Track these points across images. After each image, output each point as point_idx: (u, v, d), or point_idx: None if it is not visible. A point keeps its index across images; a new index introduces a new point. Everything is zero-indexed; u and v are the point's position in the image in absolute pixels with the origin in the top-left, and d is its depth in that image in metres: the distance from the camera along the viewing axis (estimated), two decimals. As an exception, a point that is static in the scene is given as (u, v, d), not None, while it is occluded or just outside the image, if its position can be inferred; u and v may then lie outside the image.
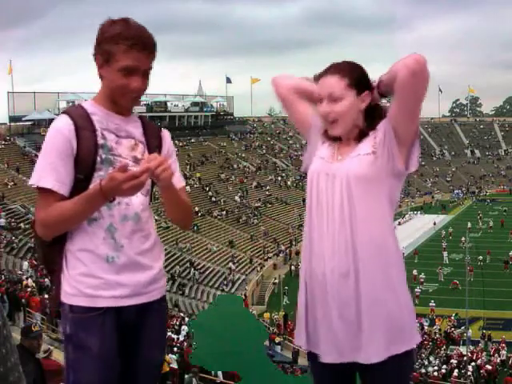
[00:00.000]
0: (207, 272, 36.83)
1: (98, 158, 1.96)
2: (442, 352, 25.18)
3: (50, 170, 1.91)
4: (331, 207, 1.98)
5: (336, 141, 2.07)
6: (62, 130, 1.94)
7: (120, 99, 1.99)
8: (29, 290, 18.34)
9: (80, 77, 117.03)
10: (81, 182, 1.95)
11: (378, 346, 1.94)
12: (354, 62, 2.04)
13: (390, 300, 1.95)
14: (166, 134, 2.18)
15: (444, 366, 22.42)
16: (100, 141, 1.97)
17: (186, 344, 18.81)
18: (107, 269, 1.96)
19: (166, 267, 34.64)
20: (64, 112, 2.01)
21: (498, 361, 23.90)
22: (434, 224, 52.81)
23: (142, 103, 59.68)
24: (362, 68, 2.03)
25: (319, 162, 2.07)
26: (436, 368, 22.34)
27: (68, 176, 1.93)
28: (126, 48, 1.90)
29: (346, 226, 1.95)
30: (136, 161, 2.01)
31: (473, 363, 22.50)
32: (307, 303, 2.07)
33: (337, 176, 1.98)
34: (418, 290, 33.42)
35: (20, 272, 23.16)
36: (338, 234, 1.96)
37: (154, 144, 2.10)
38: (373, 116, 2.03)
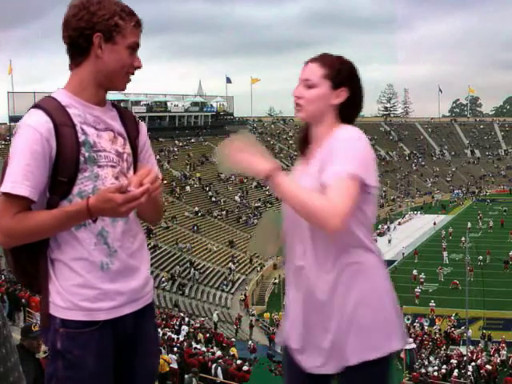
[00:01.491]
0: (207, 272, 36.82)
1: (81, 158, 1.77)
2: (442, 352, 25.19)
3: (25, 175, 1.69)
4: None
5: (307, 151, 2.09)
6: (38, 128, 1.72)
7: (120, 80, 1.86)
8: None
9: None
10: (63, 184, 1.77)
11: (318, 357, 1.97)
12: (343, 58, 2.02)
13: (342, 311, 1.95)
14: (142, 126, 2.03)
15: (444, 366, 22.40)
16: (81, 137, 1.78)
17: (185, 344, 18.79)
18: (102, 277, 1.81)
19: (165, 267, 34.66)
20: (37, 106, 1.78)
21: (498, 361, 23.90)
22: (434, 224, 52.81)
23: (141, 103, 59.72)
24: (348, 64, 2.01)
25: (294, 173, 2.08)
26: (436, 368, 22.34)
27: (43, 181, 1.73)
28: (134, 24, 1.83)
29: (303, 242, 1.98)
30: (119, 155, 1.87)
31: (473, 363, 22.49)
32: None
33: None
34: (418, 289, 33.44)
35: (20, 272, 23.11)
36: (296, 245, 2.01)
37: (133, 136, 1.96)
38: (350, 117, 2.03)
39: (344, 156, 1.84)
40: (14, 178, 1.69)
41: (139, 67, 1.88)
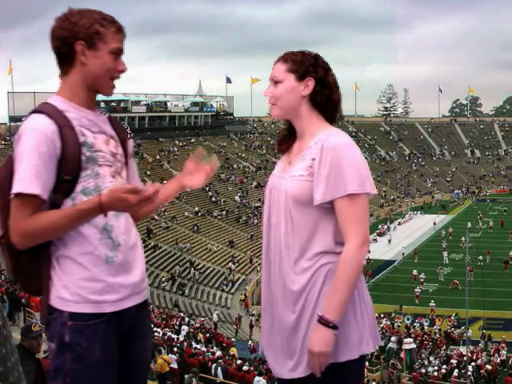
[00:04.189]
0: (207, 272, 36.82)
1: (83, 157, 1.88)
2: (442, 352, 25.17)
3: (35, 174, 1.78)
4: (277, 222, 2.02)
5: (287, 151, 2.12)
6: (42, 130, 1.81)
7: (105, 84, 1.95)
8: (29, 289, 18.26)
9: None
10: (67, 183, 1.86)
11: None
12: (306, 51, 2.07)
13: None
14: (131, 140, 2.16)
15: (444, 366, 22.40)
16: (80, 138, 1.89)
17: (185, 344, 18.79)
18: (107, 271, 1.89)
19: (165, 267, 34.65)
20: (38, 111, 1.88)
21: (498, 361, 23.88)
22: (434, 224, 52.81)
23: (141, 103, 59.69)
24: (311, 55, 2.05)
25: (270, 179, 2.13)
26: (436, 368, 22.32)
27: (51, 181, 1.83)
28: (115, 30, 1.92)
29: (287, 242, 1.99)
30: (114, 155, 1.98)
31: (473, 363, 22.47)
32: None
33: (281, 191, 2.02)
34: (417, 289, 33.42)
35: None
36: (274, 249, 2.02)
37: (123, 138, 2.07)
38: (329, 109, 2.06)
39: (348, 174, 1.91)
40: (24, 178, 1.77)
41: (123, 71, 1.98)
